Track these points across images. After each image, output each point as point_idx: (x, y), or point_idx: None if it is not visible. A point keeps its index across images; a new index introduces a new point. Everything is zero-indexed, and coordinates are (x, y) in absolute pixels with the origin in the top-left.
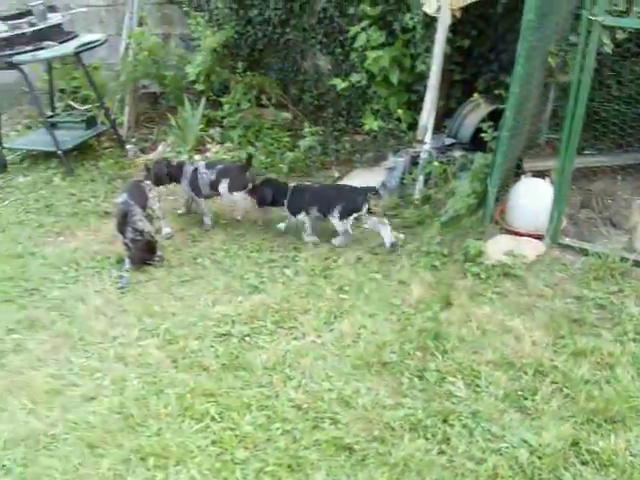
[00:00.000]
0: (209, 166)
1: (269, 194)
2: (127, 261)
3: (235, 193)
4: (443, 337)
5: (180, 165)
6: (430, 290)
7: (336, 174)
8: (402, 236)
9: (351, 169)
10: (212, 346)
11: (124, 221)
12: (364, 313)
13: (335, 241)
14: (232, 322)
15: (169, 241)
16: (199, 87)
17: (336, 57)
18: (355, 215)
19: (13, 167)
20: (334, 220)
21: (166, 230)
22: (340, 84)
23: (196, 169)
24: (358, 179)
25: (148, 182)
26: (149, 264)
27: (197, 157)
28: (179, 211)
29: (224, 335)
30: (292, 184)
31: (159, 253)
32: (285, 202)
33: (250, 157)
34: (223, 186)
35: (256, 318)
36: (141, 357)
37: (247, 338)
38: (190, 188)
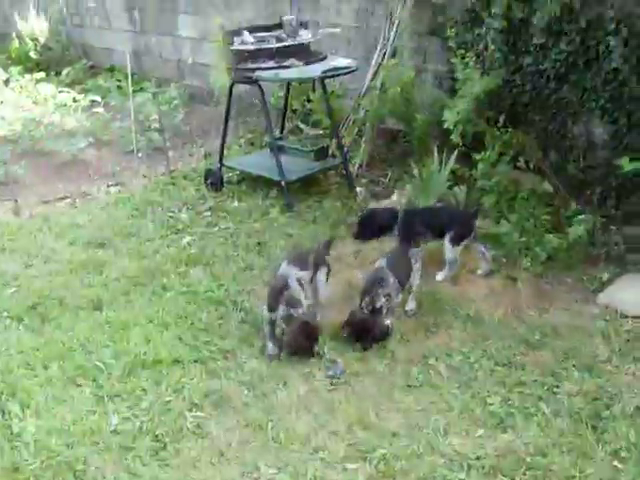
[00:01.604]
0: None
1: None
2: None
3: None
4: None
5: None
6: None
7: (605, 275)
8: None
9: (622, 271)
10: None
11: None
12: None
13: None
14: (468, 468)
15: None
16: (455, 139)
17: (618, 128)
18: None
19: (229, 187)
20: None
21: (411, 305)
22: (627, 165)
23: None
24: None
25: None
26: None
27: None
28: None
29: None
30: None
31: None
32: None
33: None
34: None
35: (500, 472)
36: None
37: None
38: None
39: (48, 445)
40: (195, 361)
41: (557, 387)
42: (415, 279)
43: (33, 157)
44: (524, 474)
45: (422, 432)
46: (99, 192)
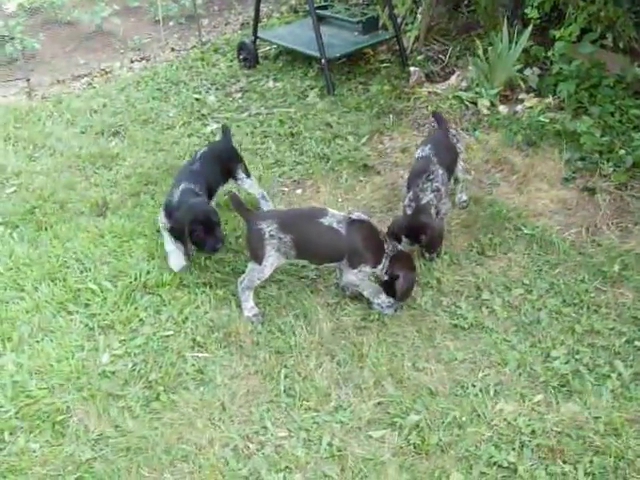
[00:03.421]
0: None
1: None
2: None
3: None
4: None
5: None
6: None
7: None
8: None
9: None
10: None
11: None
12: None
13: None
14: (520, 446)
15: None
16: (530, 13)
17: None
18: None
19: (264, 64)
20: None
21: (463, 197)
22: None
23: None
24: None
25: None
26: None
27: (501, 107)
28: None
29: (503, 468)
30: None
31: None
32: None
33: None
34: None
35: (561, 455)
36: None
37: None
38: None
39: (27, 388)
40: (203, 284)
41: (639, 340)
42: (461, 166)
43: (53, 28)
44: (591, 462)
45: (466, 392)
46: (121, 68)
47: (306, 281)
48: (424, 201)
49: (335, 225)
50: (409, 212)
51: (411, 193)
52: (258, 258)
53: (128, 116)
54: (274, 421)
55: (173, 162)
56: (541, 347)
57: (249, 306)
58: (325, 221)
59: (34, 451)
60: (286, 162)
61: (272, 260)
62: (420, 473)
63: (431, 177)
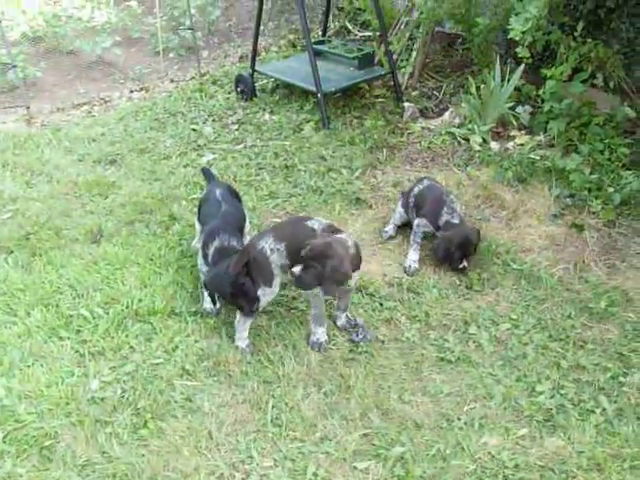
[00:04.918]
0: None
1: None
2: None
3: None
4: None
5: None
6: None
7: None
8: None
9: None
10: None
11: None
12: None
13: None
14: (503, 478)
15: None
16: (521, 52)
17: None
18: None
19: (262, 96)
20: None
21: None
22: None
23: None
24: None
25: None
26: None
27: (493, 144)
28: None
29: None
30: None
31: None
32: None
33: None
34: None
35: None
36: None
37: None
38: None
39: (16, 412)
40: (194, 314)
41: (624, 376)
42: None
43: (54, 57)
44: None
45: (451, 425)
46: (120, 98)
47: (296, 312)
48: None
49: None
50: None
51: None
52: (268, 280)
53: (125, 145)
54: (260, 450)
55: (168, 192)
56: (526, 381)
57: (244, 336)
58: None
59: (21, 476)
60: (280, 194)
61: (278, 280)
62: None
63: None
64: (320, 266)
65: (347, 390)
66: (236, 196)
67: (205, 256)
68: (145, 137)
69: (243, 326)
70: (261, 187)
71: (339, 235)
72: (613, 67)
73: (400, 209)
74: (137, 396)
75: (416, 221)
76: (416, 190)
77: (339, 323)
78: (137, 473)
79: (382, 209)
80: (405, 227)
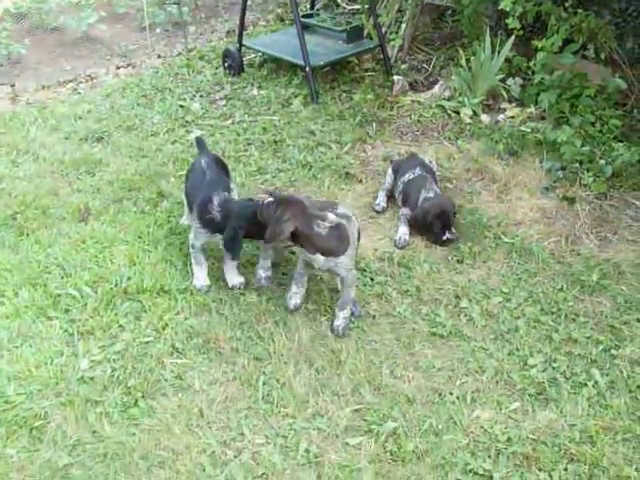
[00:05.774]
0: None
1: None
2: None
3: None
4: None
5: None
6: None
7: None
8: None
9: None
10: None
11: None
12: None
13: None
14: (496, 454)
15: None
16: (512, 24)
17: None
18: None
19: (249, 71)
20: None
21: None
22: None
23: None
24: None
25: None
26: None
27: (483, 117)
28: None
29: (479, 476)
30: None
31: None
32: None
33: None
34: None
35: (536, 463)
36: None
37: None
38: None
39: (5, 393)
40: (184, 290)
41: (616, 348)
42: None
43: (39, 34)
44: (566, 469)
45: (443, 400)
46: (107, 75)
47: (285, 289)
48: None
49: None
50: None
51: None
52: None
53: (112, 122)
54: (252, 428)
55: (156, 169)
56: (518, 355)
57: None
58: None
59: (11, 457)
60: (269, 169)
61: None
62: None
63: None
64: (279, 210)
65: (338, 366)
66: (223, 167)
67: (207, 223)
68: (132, 114)
69: (232, 267)
70: (250, 163)
71: (333, 216)
72: (604, 38)
73: (390, 172)
74: (127, 375)
75: (402, 210)
76: (406, 178)
77: (336, 323)
78: (128, 452)
79: (372, 183)
80: (395, 200)
